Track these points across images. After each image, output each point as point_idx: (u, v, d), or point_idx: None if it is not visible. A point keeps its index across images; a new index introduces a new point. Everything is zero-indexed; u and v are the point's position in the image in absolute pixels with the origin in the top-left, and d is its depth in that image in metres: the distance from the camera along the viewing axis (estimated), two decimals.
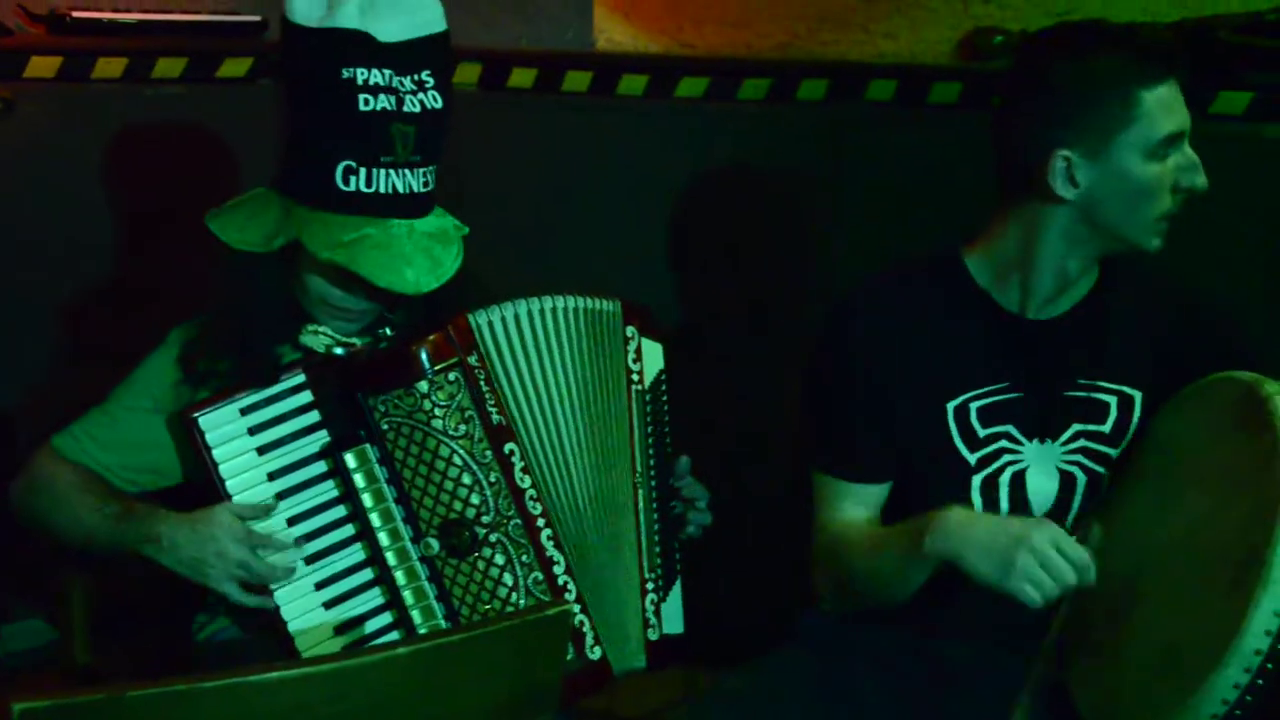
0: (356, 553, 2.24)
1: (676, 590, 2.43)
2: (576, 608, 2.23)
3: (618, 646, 2.29)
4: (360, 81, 2.19)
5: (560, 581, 2.24)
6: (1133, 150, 2.15)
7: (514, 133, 3.65)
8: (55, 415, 2.44)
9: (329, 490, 2.24)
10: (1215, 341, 2.23)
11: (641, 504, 2.39)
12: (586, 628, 2.25)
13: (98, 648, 2.49)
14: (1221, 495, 1.95)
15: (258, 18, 3.48)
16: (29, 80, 3.35)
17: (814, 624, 2.42)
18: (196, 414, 2.18)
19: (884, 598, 2.23)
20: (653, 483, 2.41)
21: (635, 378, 2.41)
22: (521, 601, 2.20)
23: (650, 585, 2.37)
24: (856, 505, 2.33)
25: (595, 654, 2.25)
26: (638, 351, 2.42)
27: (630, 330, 2.41)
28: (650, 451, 2.42)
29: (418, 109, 2.24)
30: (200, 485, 2.21)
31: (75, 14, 3.39)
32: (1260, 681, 1.79)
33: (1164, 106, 2.13)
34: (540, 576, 2.22)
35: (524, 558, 2.22)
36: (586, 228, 3.62)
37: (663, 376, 2.47)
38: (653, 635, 2.36)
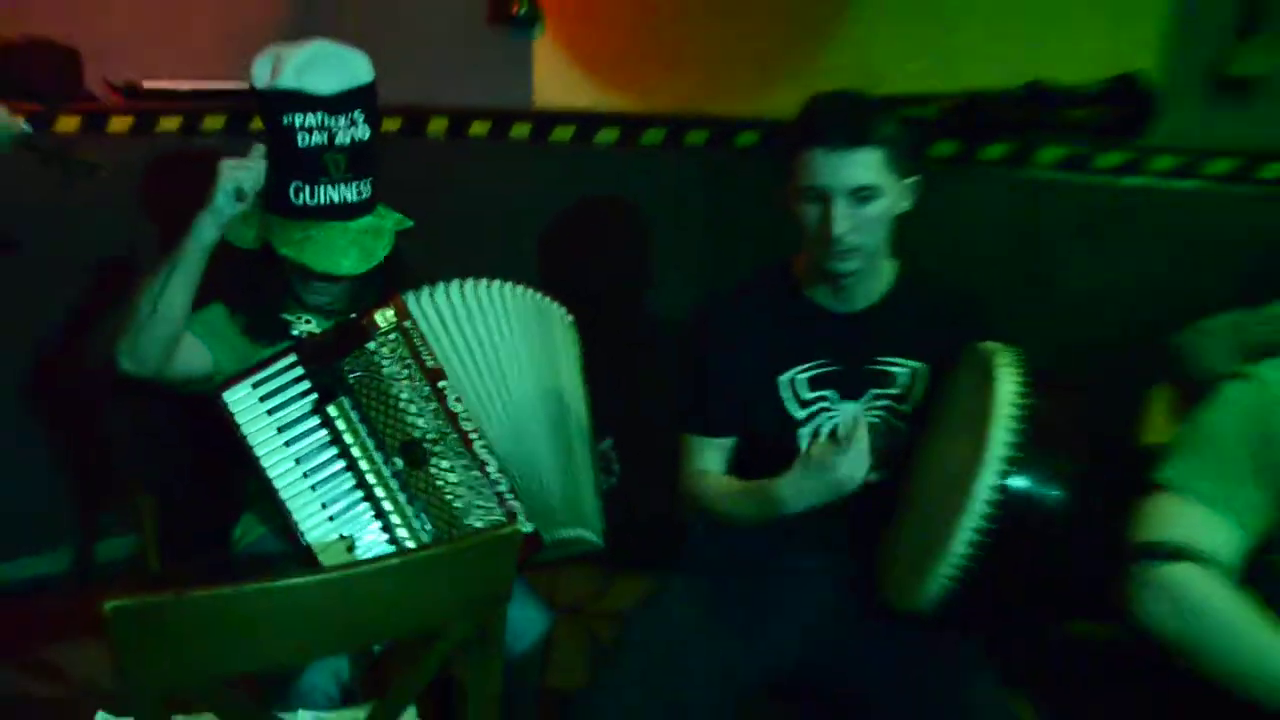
0: (348, 479, 2.24)
1: (596, 502, 2.41)
2: (516, 504, 2.25)
3: (544, 520, 2.28)
4: (297, 125, 2.30)
5: (493, 477, 2.26)
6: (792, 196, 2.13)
7: (471, 170, 3.67)
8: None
9: (323, 435, 2.24)
10: (976, 325, 2.16)
11: (558, 422, 2.38)
12: (518, 509, 2.26)
13: (167, 557, 2.52)
14: (966, 432, 1.95)
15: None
16: (110, 134, 3.38)
17: (694, 546, 2.41)
18: (223, 392, 2.21)
19: (741, 527, 2.23)
20: (569, 409, 2.41)
21: (543, 340, 2.42)
22: (467, 495, 2.24)
23: (569, 480, 2.36)
24: (712, 454, 2.31)
25: (527, 528, 2.24)
26: (551, 324, 2.45)
27: (539, 306, 2.44)
28: (565, 388, 2.41)
29: (348, 141, 2.33)
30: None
31: (145, 85, 3.42)
32: (975, 554, 1.84)
33: (805, 166, 2.08)
34: (478, 474, 2.25)
35: (464, 462, 2.25)
36: (524, 240, 3.65)
37: (570, 340, 2.48)
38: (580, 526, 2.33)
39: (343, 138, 2.33)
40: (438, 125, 3.67)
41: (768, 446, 2.23)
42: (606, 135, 3.65)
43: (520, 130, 3.70)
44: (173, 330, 2.26)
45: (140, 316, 2.24)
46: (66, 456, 3.48)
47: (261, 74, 2.33)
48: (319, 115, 2.31)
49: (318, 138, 2.32)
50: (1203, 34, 3.09)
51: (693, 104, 3.67)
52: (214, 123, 3.48)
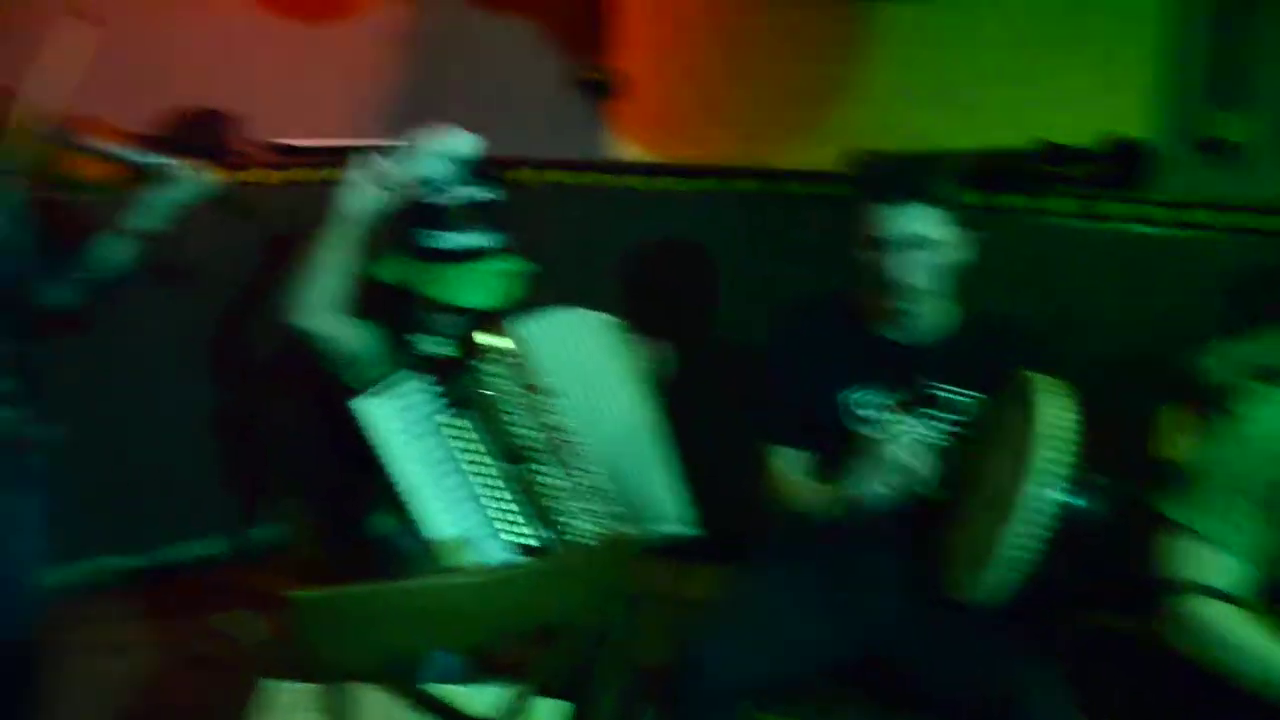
0: (465, 483, 2.19)
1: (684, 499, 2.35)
2: (616, 507, 2.19)
3: (640, 518, 2.23)
4: (431, 185, 2.31)
5: (594, 483, 2.20)
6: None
7: (551, 214, 3.62)
8: None
9: (443, 443, 2.20)
10: (1027, 356, 2.05)
11: (645, 430, 2.32)
12: (618, 511, 2.20)
13: (311, 544, 2.53)
14: (1011, 449, 1.91)
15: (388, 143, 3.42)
16: (261, 185, 3.38)
17: (774, 545, 2.31)
18: (358, 401, 2.17)
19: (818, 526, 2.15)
20: (654, 420, 2.35)
21: (627, 361, 2.38)
22: (571, 499, 2.18)
23: (667, 486, 2.31)
24: (790, 459, 2.22)
25: (629, 529, 2.18)
26: (630, 347, 2.40)
27: (620, 331, 2.40)
28: (649, 404, 2.36)
29: (471, 199, 2.33)
30: None
31: (289, 142, 3.43)
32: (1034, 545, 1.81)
33: (867, 218, 2.06)
34: (581, 481, 2.20)
35: (568, 470, 2.20)
36: (600, 274, 3.60)
37: (653, 367, 2.43)
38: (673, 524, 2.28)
39: (466, 196, 2.34)
40: (524, 175, 3.65)
41: (837, 454, 2.16)
42: (668, 183, 3.62)
43: (595, 178, 3.69)
44: (333, 284, 2.25)
45: (308, 272, 2.24)
46: (228, 453, 3.48)
47: (403, 148, 2.35)
48: (448, 179, 2.33)
49: (439, 198, 2.33)
50: (1186, 102, 3.07)
51: (741, 155, 3.64)
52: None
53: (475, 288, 2.32)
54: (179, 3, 3.35)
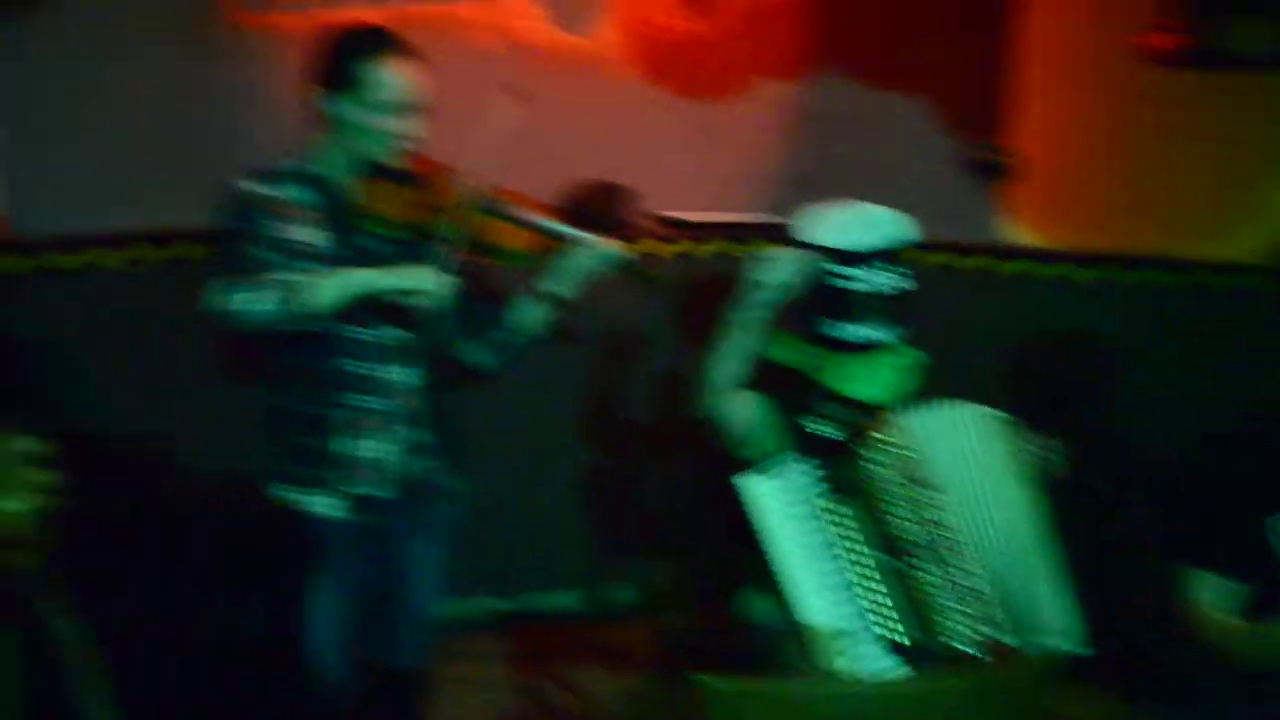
0: (844, 573, 2.13)
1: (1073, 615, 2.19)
2: (999, 615, 2.07)
3: (1024, 630, 2.10)
4: (842, 273, 2.22)
5: (976, 586, 2.10)
6: None
7: (940, 296, 3.46)
8: None
9: (825, 530, 2.14)
10: None
11: (1034, 535, 2.19)
12: (1000, 620, 2.09)
13: (672, 609, 2.53)
14: None
15: (785, 220, 3.41)
16: (659, 258, 3.49)
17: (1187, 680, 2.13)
18: (743, 478, 2.14)
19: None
20: (1041, 523, 2.21)
21: (1014, 459, 2.24)
22: (949, 600, 2.09)
23: (1053, 595, 2.16)
24: (1218, 593, 2.03)
25: (1012, 641, 2.06)
26: (1017, 444, 2.27)
27: (1007, 426, 2.28)
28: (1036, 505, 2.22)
29: (884, 289, 2.24)
30: None
31: (683, 216, 3.50)
32: None
33: None
34: (962, 583, 2.10)
35: (948, 570, 2.11)
36: (985, 363, 3.43)
37: (1041, 466, 2.28)
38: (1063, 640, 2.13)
39: (878, 285, 2.26)
40: (909, 255, 3.54)
41: (1268, 590, 1.98)
42: (1063, 269, 3.49)
43: (983, 261, 3.61)
44: (737, 364, 2.25)
45: (716, 353, 2.25)
46: (603, 510, 3.55)
47: (813, 231, 2.29)
48: (859, 268, 2.25)
49: (860, 284, 2.25)
50: None
51: (1145, 243, 3.44)
52: (730, 248, 3.53)
53: (872, 381, 2.25)
54: (577, 81, 3.52)
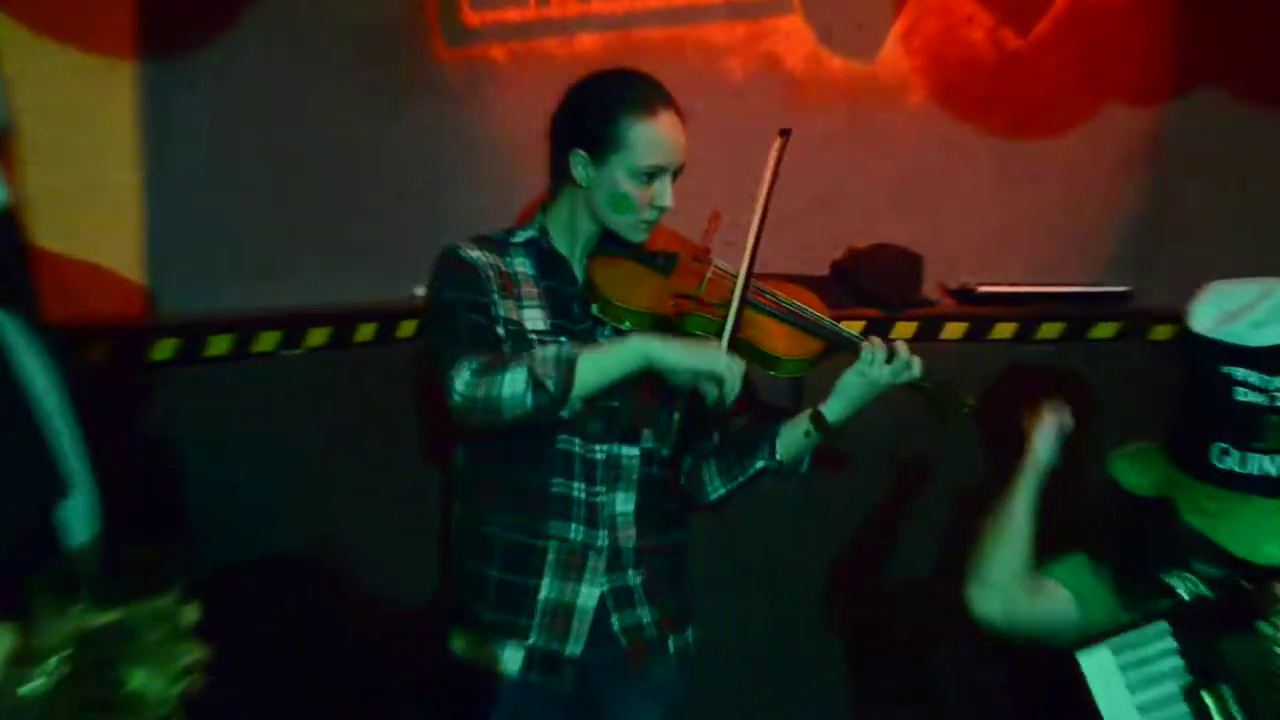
0: None
1: None
2: None
3: None
4: (1237, 378, 1.89)
5: None
6: None
7: None
8: None
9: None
10: None
11: None
12: None
13: None
14: None
15: (1124, 288, 3.12)
16: (943, 340, 3.06)
17: None
18: (1080, 653, 1.88)
19: None
20: None
21: None
22: None
23: None
24: None
25: None
26: None
27: None
28: None
29: None
30: None
31: (980, 288, 3.13)
32: None
33: None
34: None
35: None
36: None
37: None
38: None
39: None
40: None
41: None
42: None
43: None
44: (1018, 556, 2.01)
45: (986, 541, 2.03)
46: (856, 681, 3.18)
47: (1203, 316, 1.93)
48: (1257, 374, 1.89)
49: (1255, 396, 1.89)
50: None
51: None
52: (1050, 329, 3.10)
53: (1273, 533, 1.88)
54: (859, 118, 3.21)
